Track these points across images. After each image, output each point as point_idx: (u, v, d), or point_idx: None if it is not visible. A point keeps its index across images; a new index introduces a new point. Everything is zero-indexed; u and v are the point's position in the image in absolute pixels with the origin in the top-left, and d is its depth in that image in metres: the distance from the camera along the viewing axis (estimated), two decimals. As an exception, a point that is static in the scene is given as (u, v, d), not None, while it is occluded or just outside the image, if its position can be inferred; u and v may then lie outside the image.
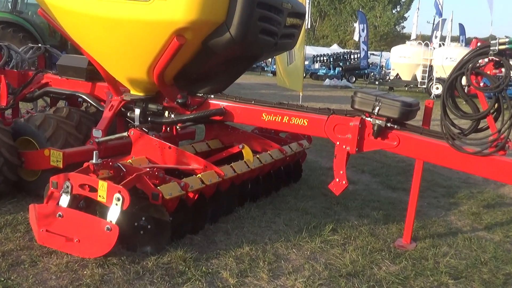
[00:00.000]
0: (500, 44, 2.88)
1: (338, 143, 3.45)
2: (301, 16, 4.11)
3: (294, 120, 3.67)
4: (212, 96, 4.10)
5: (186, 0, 3.27)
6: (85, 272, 2.86)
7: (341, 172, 3.40)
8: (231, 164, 3.91)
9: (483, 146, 2.98)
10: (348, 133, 3.41)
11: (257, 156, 4.21)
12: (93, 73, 4.65)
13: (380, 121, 3.28)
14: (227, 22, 3.44)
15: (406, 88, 24.23)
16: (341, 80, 27.14)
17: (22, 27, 10.61)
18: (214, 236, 3.60)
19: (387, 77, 24.47)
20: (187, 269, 3.01)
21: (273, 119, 3.75)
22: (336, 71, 29.12)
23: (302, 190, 4.92)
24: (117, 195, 2.95)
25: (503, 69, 2.92)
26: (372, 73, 28.04)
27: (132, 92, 4.21)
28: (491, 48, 2.90)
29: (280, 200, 4.56)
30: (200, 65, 3.90)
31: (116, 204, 2.95)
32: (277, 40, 3.87)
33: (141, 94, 4.18)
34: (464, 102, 3.14)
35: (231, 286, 2.86)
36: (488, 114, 3.01)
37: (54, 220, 3.01)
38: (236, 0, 3.40)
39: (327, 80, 26.56)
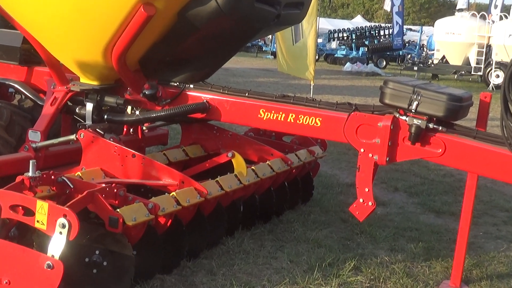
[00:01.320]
0: None
1: (362, 150, 3.50)
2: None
3: (303, 119, 3.73)
4: (192, 86, 4.16)
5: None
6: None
7: (367, 190, 3.46)
8: (217, 179, 3.96)
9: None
10: (376, 137, 3.46)
11: (252, 167, 4.27)
12: (29, 54, 4.68)
13: (420, 121, 3.32)
14: (213, -14, 3.51)
15: (455, 75, 24.34)
16: (367, 64, 27.17)
17: None
18: (194, 276, 3.61)
19: (430, 61, 24.53)
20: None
21: (274, 118, 3.81)
22: (360, 53, 29.05)
23: (314, 215, 4.97)
24: (62, 220, 2.94)
25: None
26: (409, 56, 28.25)
27: (83, 80, 4.24)
28: None
29: (284, 228, 4.61)
30: (175, 44, 3.94)
31: (60, 233, 2.94)
32: (279, 10, 3.92)
33: (94, 83, 4.22)
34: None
35: None
36: None
37: (-27, 255, 3.02)
38: None
39: (348, 64, 26.50)
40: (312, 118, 3.69)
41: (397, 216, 5.19)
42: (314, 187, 5.33)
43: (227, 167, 4.24)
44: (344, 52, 30.01)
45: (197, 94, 4.09)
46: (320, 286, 3.63)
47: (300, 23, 8.26)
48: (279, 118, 3.78)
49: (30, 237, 3.27)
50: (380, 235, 4.59)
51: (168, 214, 3.48)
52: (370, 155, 3.46)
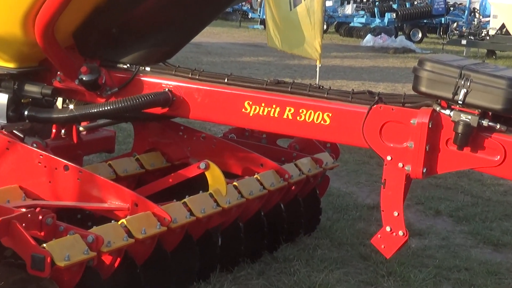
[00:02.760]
0: None
1: (389, 158, 3.56)
2: None
3: (305, 115, 3.77)
4: (148, 69, 4.23)
5: None
6: None
7: (396, 214, 3.52)
8: (185, 200, 4.01)
9: None
10: (408, 139, 3.51)
11: (235, 183, 4.34)
12: None
13: (470, 116, 3.38)
14: None
15: None
16: (396, 37, 27.21)
17: None
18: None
19: (484, 32, 24.67)
20: None
21: (265, 113, 3.87)
22: (386, 21, 29.15)
23: (322, 249, 5.04)
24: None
25: None
26: (456, 24, 28.29)
27: (-7, 61, 4.27)
28: None
29: (280, 268, 4.66)
30: (123, 10, 4.00)
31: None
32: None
33: (10, 65, 4.23)
34: None
35: None
36: None
37: None
38: None
39: (369, 37, 26.62)
40: (319, 114, 3.73)
41: (439, 250, 5.25)
42: (322, 210, 5.40)
43: (199, 184, 4.28)
44: (363, 20, 30.15)
45: (155, 81, 4.16)
46: None
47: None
48: (271, 114, 3.83)
49: None
50: (416, 278, 4.63)
51: (116, 251, 3.50)
52: (401, 165, 3.51)
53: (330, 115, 3.71)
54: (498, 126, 3.35)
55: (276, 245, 4.91)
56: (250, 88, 3.97)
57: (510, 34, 23.27)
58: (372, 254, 4.77)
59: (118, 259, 3.55)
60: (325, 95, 3.80)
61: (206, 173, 4.23)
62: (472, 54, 23.71)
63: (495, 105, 3.32)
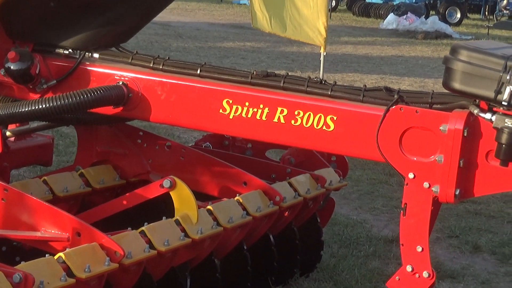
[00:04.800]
0: None
1: (412, 176, 3.63)
2: None
3: (302, 118, 3.84)
4: (96, 55, 4.29)
5: None
6: None
7: (420, 249, 3.59)
8: (143, 228, 4.02)
9: None
10: (436, 151, 3.58)
11: (209, 207, 4.39)
12: None
13: None
14: None
15: None
16: (426, 17, 27.60)
17: None
18: None
19: None
20: None
21: (250, 115, 3.94)
22: None
23: None
24: None
25: None
26: (506, 2, 28.34)
27: None
28: None
29: None
30: None
31: None
32: None
33: None
34: None
35: None
36: None
37: None
38: None
39: (391, 17, 27.03)
40: (320, 116, 3.78)
41: None
42: (325, 243, 5.46)
43: (163, 208, 4.36)
44: None
45: (106, 71, 4.22)
46: None
47: None
48: (258, 116, 3.90)
49: None
50: None
51: None
52: (427, 185, 3.58)
53: (335, 118, 3.76)
54: None
55: (265, 288, 4.91)
56: (231, 82, 4.02)
57: None
58: (390, 302, 4.76)
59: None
60: (329, 93, 3.86)
61: (172, 194, 4.27)
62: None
63: None
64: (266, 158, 5.44)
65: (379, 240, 6.11)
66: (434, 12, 28.71)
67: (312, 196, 5.02)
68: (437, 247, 6.22)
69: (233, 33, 21.05)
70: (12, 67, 4.17)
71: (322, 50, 11.02)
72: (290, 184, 4.90)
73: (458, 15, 29.31)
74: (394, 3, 28.87)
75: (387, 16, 26.99)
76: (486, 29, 26.60)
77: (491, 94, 3.40)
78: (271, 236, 4.92)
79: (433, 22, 26.07)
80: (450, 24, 27.43)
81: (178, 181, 4.26)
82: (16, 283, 3.32)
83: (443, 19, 27.73)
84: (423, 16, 27.17)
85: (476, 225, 6.73)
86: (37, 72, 4.21)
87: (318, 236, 5.38)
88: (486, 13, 30.53)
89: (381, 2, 29.85)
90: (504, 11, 27.04)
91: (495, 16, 27.51)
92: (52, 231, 3.89)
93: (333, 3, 29.20)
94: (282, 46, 17.12)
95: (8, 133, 4.92)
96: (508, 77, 3.36)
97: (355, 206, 6.97)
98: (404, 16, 26.35)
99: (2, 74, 4.23)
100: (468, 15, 30.74)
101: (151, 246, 3.95)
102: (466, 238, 6.40)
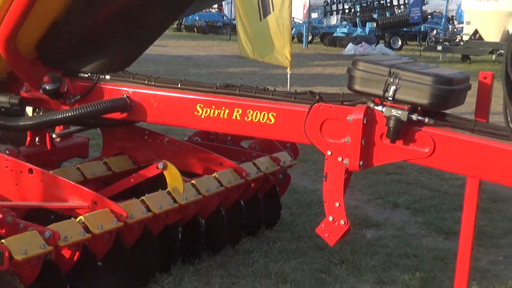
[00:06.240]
0: None
1: (329, 153, 4.33)
2: None
3: (252, 115, 4.61)
4: (108, 77, 5.16)
5: None
6: None
7: (337, 204, 4.30)
8: (143, 198, 4.87)
9: None
10: (345, 134, 4.26)
11: (193, 181, 5.33)
12: None
13: (400, 112, 4.07)
14: None
15: (493, 56, 26.83)
16: (376, 45, 32.49)
17: None
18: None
19: (458, 38, 28.45)
20: None
21: (215, 115, 4.74)
22: (367, 30, 34.66)
23: (281, 242, 6.15)
24: None
25: None
26: (435, 32, 33.22)
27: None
28: None
29: (240, 260, 5.60)
30: (80, 20, 4.80)
31: None
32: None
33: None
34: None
35: None
36: None
37: None
38: None
39: (350, 46, 31.61)
40: (264, 114, 4.55)
41: (393, 240, 6.48)
42: (286, 206, 6.43)
43: (163, 183, 5.19)
44: (345, 30, 35.50)
45: (115, 88, 5.06)
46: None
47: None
48: (221, 115, 4.70)
49: None
50: (367, 265, 5.67)
51: (74, 245, 4.28)
52: (340, 159, 4.28)
53: (275, 114, 4.54)
54: (426, 120, 4.05)
55: (237, 239, 5.94)
56: (201, 92, 4.84)
57: (482, 39, 25.92)
58: (328, 245, 5.10)
59: (77, 253, 4.36)
60: (270, 96, 4.64)
61: (165, 173, 5.16)
62: (448, 59, 27.07)
63: (422, 100, 4.01)
64: (240, 146, 6.52)
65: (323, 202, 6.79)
66: (382, 41, 33.57)
67: (270, 172, 6.00)
68: (367, 206, 7.65)
69: (236, 62, 24.05)
70: (47, 87, 5.01)
71: (288, 70, 12.80)
72: (254, 164, 5.89)
73: (400, 43, 34.33)
74: (353, 35, 33.41)
75: (348, 45, 31.38)
76: (419, 52, 31.04)
77: (380, 92, 4.12)
78: (241, 202, 5.89)
79: (380, 48, 31.28)
80: (393, 49, 32.40)
81: (169, 163, 5.14)
82: (46, 238, 4.11)
83: (389, 45, 32.77)
84: (374, 44, 32.07)
85: (397, 189, 7.97)
86: (65, 90, 5.07)
87: (276, 200, 6.42)
88: (420, 40, 35.17)
89: (344, 35, 34.70)
90: (433, 39, 30.44)
91: (426, 42, 30.89)
92: (77, 202, 4.71)
93: (310, 37, 35.29)
94: (270, 69, 19.87)
95: (54, 135, 5.98)
96: (391, 80, 4.07)
97: (312, 179, 8.07)
98: (360, 45, 31.04)
99: (41, 93, 5.05)
100: (408, 42, 36.03)
101: (148, 210, 4.81)
102: (389, 199, 7.74)
